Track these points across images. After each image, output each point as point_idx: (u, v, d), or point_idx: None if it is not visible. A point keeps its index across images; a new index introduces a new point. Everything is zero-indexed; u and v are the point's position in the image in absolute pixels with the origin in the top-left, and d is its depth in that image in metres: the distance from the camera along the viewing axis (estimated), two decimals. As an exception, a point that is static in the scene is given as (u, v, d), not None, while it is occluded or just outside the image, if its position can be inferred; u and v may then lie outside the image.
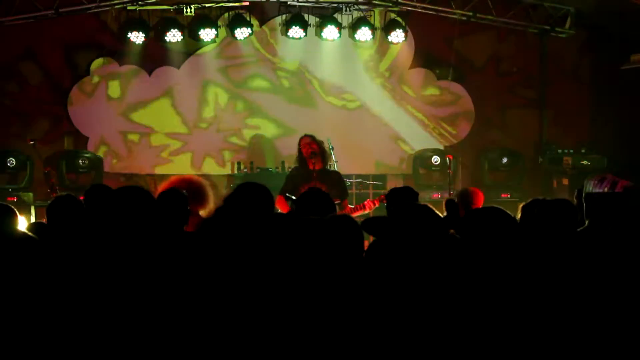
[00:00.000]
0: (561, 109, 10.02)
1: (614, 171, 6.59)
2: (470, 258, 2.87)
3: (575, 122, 10.06)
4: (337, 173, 6.70)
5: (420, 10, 9.35)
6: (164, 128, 9.61)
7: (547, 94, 10.09)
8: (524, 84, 10.18)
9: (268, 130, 9.75)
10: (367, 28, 9.34)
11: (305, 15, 9.39)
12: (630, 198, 4.41)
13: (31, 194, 8.77)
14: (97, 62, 9.39)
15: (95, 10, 8.90)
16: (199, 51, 9.55)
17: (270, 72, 9.74)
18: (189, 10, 9.19)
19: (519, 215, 4.18)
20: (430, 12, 9.37)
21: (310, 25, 9.41)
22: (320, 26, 9.37)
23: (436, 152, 9.77)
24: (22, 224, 4.45)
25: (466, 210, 5.03)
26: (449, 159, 7.93)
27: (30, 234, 3.79)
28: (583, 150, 9.43)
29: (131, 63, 9.41)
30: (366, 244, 3.25)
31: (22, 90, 9.31)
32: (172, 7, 9.22)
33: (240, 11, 9.35)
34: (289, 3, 9.39)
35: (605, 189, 5.12)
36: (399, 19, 9.55)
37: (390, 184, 9.52)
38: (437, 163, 9.64)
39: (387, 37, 9.50)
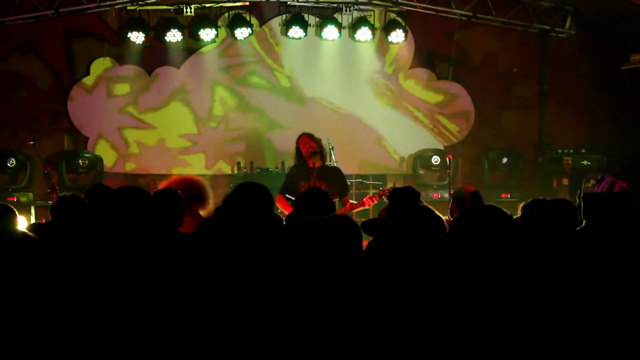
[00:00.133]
0: (561, 109, 10.04)
1: (613, 171, 6.60)
2: (468, 258, 2.87)
3: (575, 122, 10.07)
4: (337, 169, 6.65)
5: (420, 10, 9.36)
6: (170, 128, 9.61)
7: (547, 94, 10.10)
8: (523, 84, 10.18)
9: (268, 129, 9.75)
10: (367, 28, 9.35)
11: (305, 15, 9.41)
12: (627, 200, 4.43)
13: (31, 194, 8.79)
14: (97, 62, 9.40)
15: (95, 10, 8.92)
16: (199, 51, 9.56)
17: (269, 72, 9.75)
18: (189, 10, 9.21)
19: (519, 216, 4.19)
20: (430, 12, 9.38)
21: (310, 25, 9.42)
22: (320, 26, 9.38)
23: (436, 152, 9.79)
24: (22, 224, 4.46)
25: (462, 210, 5.02)
26: (449, 159, 7.95)
27: (30, 234, 3.80)
28: (583, 150, 9.44)
29: (131, 63, 9.43)
30: (365, 243, 3.26)
31: (21, 90, 9.31)
32: (172, 7, 9.24)
33: (240, 11, 9.36)
34: (289, 3, 9.40)
35: (604, 189, 5.14)
36: (399, 19, 9.56)
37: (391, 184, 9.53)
38: (437, 163, 9.66)
39: (387, 37, 9.51)
